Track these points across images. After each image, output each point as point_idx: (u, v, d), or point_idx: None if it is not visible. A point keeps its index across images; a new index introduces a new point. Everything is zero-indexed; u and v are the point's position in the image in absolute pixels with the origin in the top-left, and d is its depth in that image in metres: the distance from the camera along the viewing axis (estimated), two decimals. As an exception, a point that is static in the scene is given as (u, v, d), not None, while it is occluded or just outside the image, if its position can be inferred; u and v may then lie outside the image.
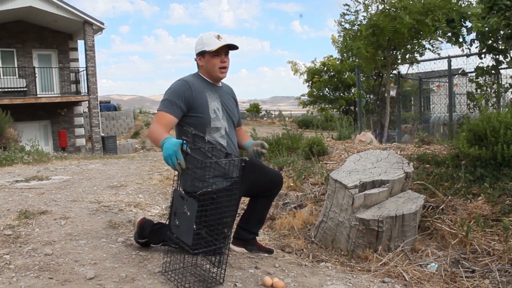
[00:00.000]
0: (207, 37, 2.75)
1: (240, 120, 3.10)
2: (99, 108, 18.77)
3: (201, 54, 2.78)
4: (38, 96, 17.41)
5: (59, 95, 18.41)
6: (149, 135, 2.62)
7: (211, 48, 2.70)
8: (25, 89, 17.45)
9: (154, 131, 2.57)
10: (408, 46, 7.91)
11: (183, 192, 2.52)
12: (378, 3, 7.50)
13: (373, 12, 7.53)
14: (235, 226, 3.15)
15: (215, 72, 2.79)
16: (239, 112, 3.06)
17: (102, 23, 18.06)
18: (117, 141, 20.04)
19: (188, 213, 2.33)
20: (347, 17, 7.84)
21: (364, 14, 7.58)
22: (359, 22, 7.74)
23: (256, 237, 3.23)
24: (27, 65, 17.84)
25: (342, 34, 8.33)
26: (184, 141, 2.36)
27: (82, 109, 19.95)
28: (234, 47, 2.80)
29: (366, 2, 7.52)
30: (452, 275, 2.98)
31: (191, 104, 2.69)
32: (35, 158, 8.76)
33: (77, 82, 19.03)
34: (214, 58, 2.75)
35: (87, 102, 18.35)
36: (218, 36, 2.74)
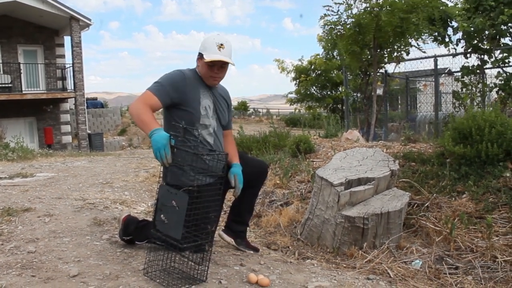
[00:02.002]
0: (209, 42, 2.67)
1: (230, 123, 3.06)
2: (85, 105, 18.60)
3: (200, 56, 2.72)
4: (23, 92, 17.17)
5: (45, 91, 18.18)
6: (134, 113, 2.56)
7: (206, 59, 2.64)
8: (10, 85, 17.21)
9: (143, 112, 2.51)
10: (396, 46, 7.98)
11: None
12: (362, 1, 7.57)
13: (356, 11, 7.61)
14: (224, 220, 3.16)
15: (206, 79, 2.76)
16: (230, 116, 3.02)
17: (89, 19, 17.88)
18: (104, 139, 19.89)
19: (178, 207, 2.32)
20: (328, 18, 7.92)
21: (347, 13, 7.65)
22: (342, 22, 7.80)
23: (246, 233, 3.22)
24: (12, 61, 17.59)
25: (326, 34, 8.40)
26: (172, 136, 2.35)
27: (69, 106, 19.74)
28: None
29: (349, 1, 7.59)
30: (436, 271, 3.01)
31: (182, 97, 2.66)
32: (19, 155, 8.65)
33: (63, 78, 18.82)
34: (208, 67, 2.69)
35: (73, 99, 18.17)
36: (220, 45, 2.65)
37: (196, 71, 2.80)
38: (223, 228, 3.19)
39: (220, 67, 2.70)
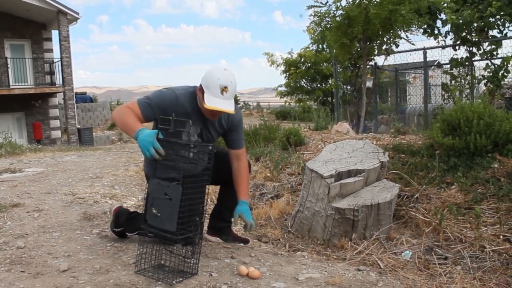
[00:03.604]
0: (213, 82, 2.49)
1: (236, 143, 2.85)
2: (74, 99, 18.44)
3: (201, 90, 2.54)
4: (11, 87, 16.94)
5: (33, 86, 17.95)
6: (117, 117, 2.54)
7: (207, 105, 2.47)
8: (-4, 80, 17.01)
9: (125, 116, 2.49)
10: (385, 38, 8.01)
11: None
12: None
13: (345, 3, 7.63)
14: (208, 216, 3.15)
15: (205, 113, 2.62)
16: (234, 136, 2.84)
17: (77, 13, 17.66)
18: (94, 133, 19.76)
19: (171, 199, 2.31)
20: (317, 8, 7.94)
21: (336, 5, 7.66)
22: (331, 14, 7.82)
23: (232, 227, 3.22)
24: (-2, 56, 17.37)
25: (315, 24, 8.42)
26: (161, 130, 2.34)
27: (58, 101, 19.54)
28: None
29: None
30: (425, 262, 3.03)
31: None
32: (8, 150, 8.56)
33: (51, 73, 18.59)
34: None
35: (62, 93, 18.00)
36: (224, 88, 2.48)
37: (196, 96, 2.65)
38: (206, 230, 3.17)
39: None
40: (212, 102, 2.47)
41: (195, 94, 2.66)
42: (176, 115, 2.42)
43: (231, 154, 2.87)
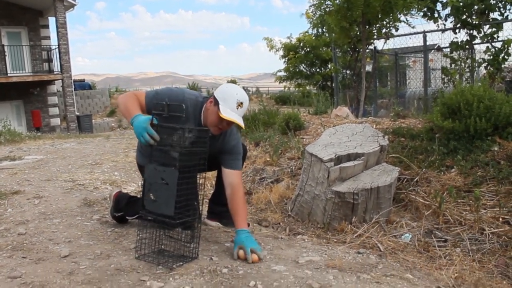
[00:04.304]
0: (231, 96, 2.54)
1: (230, 163, 2.75)
2: (73, 86, 18.37)
3: (215, 103, 2.56)
4: (8, 75, 16.87)
5: (31, 74, 17.86)
6: (121, 101, 2.56)
7: (223, 114, 2.49)
8: (-6, 68, 16.92)
9: (129, 101, 2.53)
10: (384, 21, 7.95)
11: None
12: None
13: None
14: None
15: (210, 126, 2.60)
16: (229, 157, 2.76)
17: (74, -1, 17.54)
18: (93, 120, 19.74)
19: (167, 184, 2.32)
20: None
21: None
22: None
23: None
24: (-5, 43, 17.24)
25: (315, 7, 8.35)
26: (155, 115, 2.34)
27: (56, 88, 19.48)
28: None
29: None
30: (425, 244, 3.05)
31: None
32: (7, 138, 8.55)
33: (49, 60, 18.48)
34: (218, 117, 2.54)
35: (60, 81, 17.93)
36: (240, 104, 2.54)
37: (201, 109, 2.66)
38: (206, 215, 3.19)
39: (230, 122, 2.57)
40: (228, 113, 2.50)
41: (201, 105, 2.66)
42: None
43: (225, 176, 2.75)
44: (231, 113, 2.52)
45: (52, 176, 4.56)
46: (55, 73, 18.09)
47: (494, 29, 7.18)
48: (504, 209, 3.29)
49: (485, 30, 7.28)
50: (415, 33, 8.46)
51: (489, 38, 7.22)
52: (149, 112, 2.55)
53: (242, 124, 2.58)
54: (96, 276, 2.19)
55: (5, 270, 2.26)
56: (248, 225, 3.19)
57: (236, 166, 2.76)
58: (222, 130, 2.65)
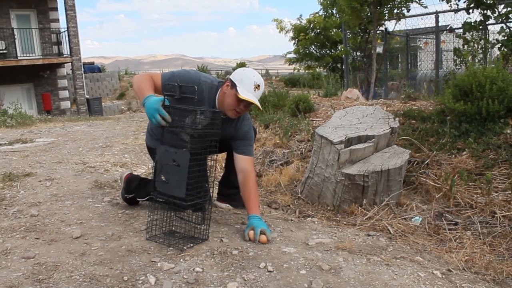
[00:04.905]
0: (248, 78, 2.56)
1: (243, 149, 2.76)
2: (82, 69, 18.41)
3: (232, 85, 2.57)
4: (18, 58, 16.92)
5: (41, 57, 17.91)
6: (136, 81, 2.57)
7: (240, 95, 2.50)
8: (4, 51, 16.92)
9: (143, 81, 2.53)
10: (396, 2, 7.83)
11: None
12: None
13: None
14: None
15: (228, 110, 2.60)
16: (242, 143, 2.77)
17: (82, -19, 17.47)
18: (103, 103, 19.81)
19: (179, 165, 2.32)
20: None
21: None
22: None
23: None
24: (5, 26, 17.23)
25: None
26: (167, 97, 2.34)
27: (66, 71, 19.53)
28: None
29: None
30: (435, 227, 3.04)
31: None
32: (18, 121, 8.61)
33: (58, 43, 18.50)
34: (236, 99, 2.54)
35: (70, 64, 17.96)
36: (257, 86, 2.56)
37: (216, 93, 2.65)
38: (216, 197, 3.20)
39: (247, 105, 2.59)
40: (246, 94, 2.52)
41: (216, 89, 2.66)
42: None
43: (237, 162, 2.75)
44: (248, 94, 2.53)
45: (63, 159, 4.59)
46: (64, 56, 18.13)
47: (509, 9, 7.02)
48: (516, 192, 3.27)
49: (499, 10, 7.12)
50: (427, 14, 8.32)
51: (503, 18, 7.07)
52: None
53: (258, 103, 2.59)
54: (108, 257, 2.22)
55: (19, 250, 2.29)
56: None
57: (248, 152, 2.77)
58: (239, 114, 2.65)
